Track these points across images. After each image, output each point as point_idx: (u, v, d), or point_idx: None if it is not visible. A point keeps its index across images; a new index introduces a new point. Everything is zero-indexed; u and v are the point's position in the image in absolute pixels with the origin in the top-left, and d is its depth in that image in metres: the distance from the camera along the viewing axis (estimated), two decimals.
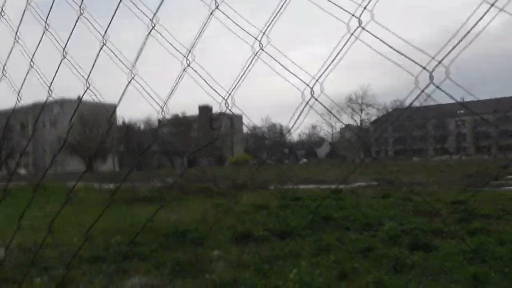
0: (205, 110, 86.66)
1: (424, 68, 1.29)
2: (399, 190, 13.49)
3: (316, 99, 1.57)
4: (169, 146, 73.99)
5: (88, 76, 2.05)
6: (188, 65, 1.77)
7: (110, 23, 2.15)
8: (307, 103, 1.56)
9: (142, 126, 73.94)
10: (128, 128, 69.41)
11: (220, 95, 1.74)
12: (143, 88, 1.92)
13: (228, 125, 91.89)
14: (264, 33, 1.61)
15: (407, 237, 5.39)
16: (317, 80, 1.51)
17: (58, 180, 24.22)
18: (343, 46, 1.43)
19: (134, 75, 1.86)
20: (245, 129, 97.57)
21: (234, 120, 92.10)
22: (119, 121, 68.86)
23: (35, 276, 4.87)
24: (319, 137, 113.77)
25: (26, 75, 2.48)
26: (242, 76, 1.72)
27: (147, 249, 5.78)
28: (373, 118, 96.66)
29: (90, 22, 2.18)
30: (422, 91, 1.37)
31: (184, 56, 1.74)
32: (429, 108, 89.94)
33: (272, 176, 26.64)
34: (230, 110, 1.67)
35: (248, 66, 1.68)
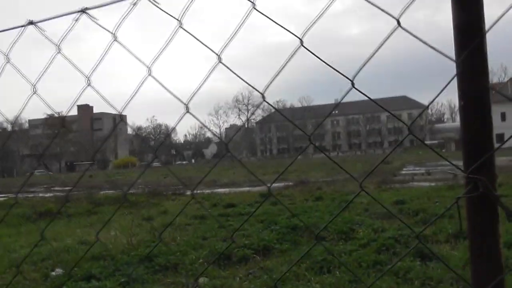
0: (85, 109, 79.90)
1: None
2: (318, 190, 13.85)
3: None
4: (44, 150, 66.53)
5: None
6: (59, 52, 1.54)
7: None
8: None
9: (9, 127, 65.16)
10: None
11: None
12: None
13: (111, 126, 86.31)
14: None
15: (400, 246, 5.32)
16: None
17: None
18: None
19: None
20: (129, 130, 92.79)
21: (117, 120, 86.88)
22: None
23: None
24: (206, 138, 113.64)
25: None
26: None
27: (112, 284, 4.75)
28: (259, 118, 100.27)
29: None
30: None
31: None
32: (308, 109, 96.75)
33: (172, 180, 25.49)
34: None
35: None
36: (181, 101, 1.34)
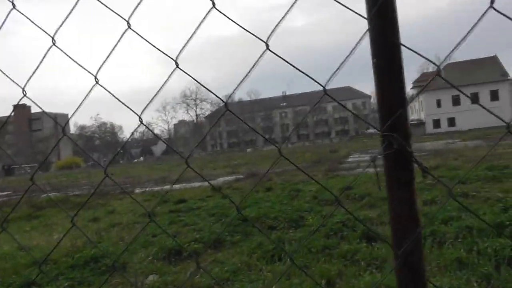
0: (21, 110, 75.34)
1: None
2: (268, 181, 13.97)
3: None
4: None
5: None
6: None
7: None
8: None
9: None
10: None
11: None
12: None
13: (51, 125, 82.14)
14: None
15: (347, 229, 5.47)
16: None
17: None
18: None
19: None
20: (72, 129, 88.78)
21: (59, 119, 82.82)
22: None
23: None
24: (154, 134, 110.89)
25: None
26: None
27: None
28: (207, 112, 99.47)
29: None
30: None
31: None
32: (257, 102, 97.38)
33: (120, 178, 24.74)
34: None
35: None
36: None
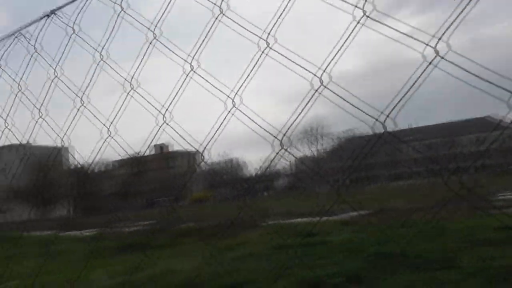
0: (161, 149, 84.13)
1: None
2: (401, 217, 12.96)
3: None
4: (127, 188, 70.50)
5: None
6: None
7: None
8: None
9: (96, 169, 69.78)
10: (80, 172, 65.66)
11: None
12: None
13: (184, 163, 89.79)
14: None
15: None
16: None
17: (15, 229, 21.91)
18: None
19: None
20: (203, 166, 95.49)
21: (191, 157, 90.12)
22: (73, 165, 64.91)
23: None
24: (276, 170, 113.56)
25: None
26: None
27: None
28: (329, 148, 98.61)
29: None
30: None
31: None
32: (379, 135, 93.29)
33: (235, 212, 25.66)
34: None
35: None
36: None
